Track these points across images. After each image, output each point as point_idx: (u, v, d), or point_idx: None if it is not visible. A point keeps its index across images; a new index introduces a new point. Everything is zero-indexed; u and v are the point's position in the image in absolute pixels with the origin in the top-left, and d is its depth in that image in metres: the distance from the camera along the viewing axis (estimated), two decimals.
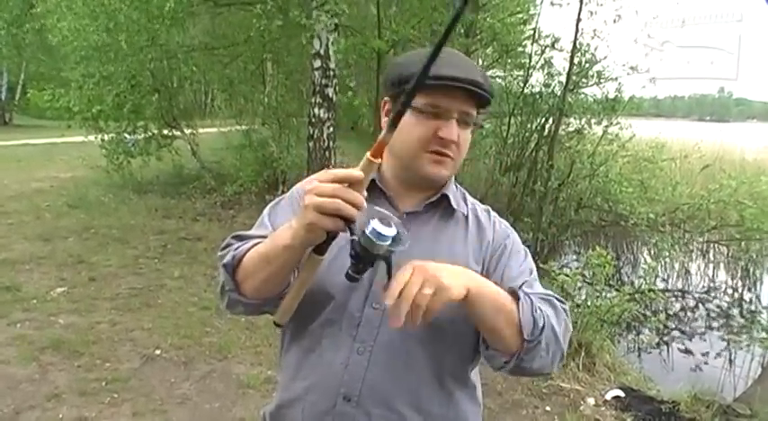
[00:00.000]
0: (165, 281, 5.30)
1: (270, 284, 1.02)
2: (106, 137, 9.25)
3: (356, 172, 0.85)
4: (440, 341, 1.08)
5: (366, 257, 0.86)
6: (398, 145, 1.09)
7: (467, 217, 1.18)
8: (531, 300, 1.01)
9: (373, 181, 1.13)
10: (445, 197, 1.15)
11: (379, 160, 0.85)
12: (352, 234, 0.86)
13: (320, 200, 0.84)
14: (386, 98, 1.14)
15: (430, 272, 0.89)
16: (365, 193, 0.87)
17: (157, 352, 3.87)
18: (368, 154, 0.85)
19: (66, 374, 3.47)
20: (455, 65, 1.04)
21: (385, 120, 1.11)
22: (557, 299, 1.09)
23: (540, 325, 0.99)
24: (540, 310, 1.01)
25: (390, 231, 0.85)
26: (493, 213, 1.23)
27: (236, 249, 1.07)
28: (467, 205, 1.20)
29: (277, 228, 1.10)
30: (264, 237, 1.09)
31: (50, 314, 4.34)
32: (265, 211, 1.21)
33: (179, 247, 6.42)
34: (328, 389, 1.07)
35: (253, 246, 1.05)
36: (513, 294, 1.02)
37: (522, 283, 1.07)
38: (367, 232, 0.84)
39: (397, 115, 0.82)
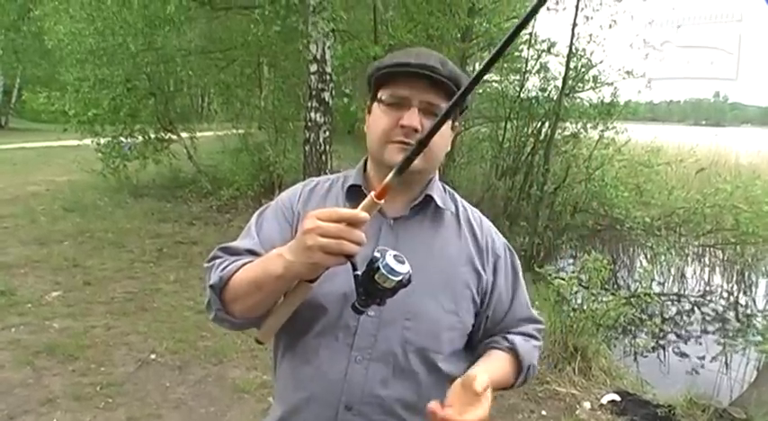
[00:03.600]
0: (161, 285, 5.28)
1: (258, 308, 1.02)
2: (102, 140, 9.23)
3: (361, 213, 0.87)
4: (436, 347, 1.09)
5: (375, 292, 0.88)
6: (369, 139, 1.12)
7: (457, 217, 1.18)
8: (530, 366, 1.19)
9: (359, 188, 1.13)
10: (429, 198, 1.14)
11: (383, 201, 0.88)
12: (354, 269, 0.88)
13: (325, 241, 0.85)
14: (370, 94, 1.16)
15: None
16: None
17: (152, 356, 3.85)
18: (372, 194, 0.88)
19: (60, 379, 3.45)
20: (411, 54, 1.07)
21: (373, 108, 1.12)
22: (539, 330, 1.26)
23: (530, 375, 1.20)
24: (533, 368, 1.20)
25: (404, 268, 0.87)
26: (485, 221, 1.23)
27: (224, 269, 1.07)
28: (456, 205, 1.20)
29: (263, 238, 1.12)
30: (251, 250, 1.10)
31: (45, 318, 4.32)
32: (251, 221, 1.21)
33: (174, 251, 6.40)
34: (329, 399, 1.06)
35: (241, 266, 1.05)
36: (516, 355, 1.16)
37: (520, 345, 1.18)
38: (381, 267, 0.86)
39: (405, 161, 0.86)
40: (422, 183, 1.15)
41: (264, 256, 1.01)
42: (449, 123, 1.09)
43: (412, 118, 1.04)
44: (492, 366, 1.11)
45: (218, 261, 1.10)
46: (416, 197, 1.14)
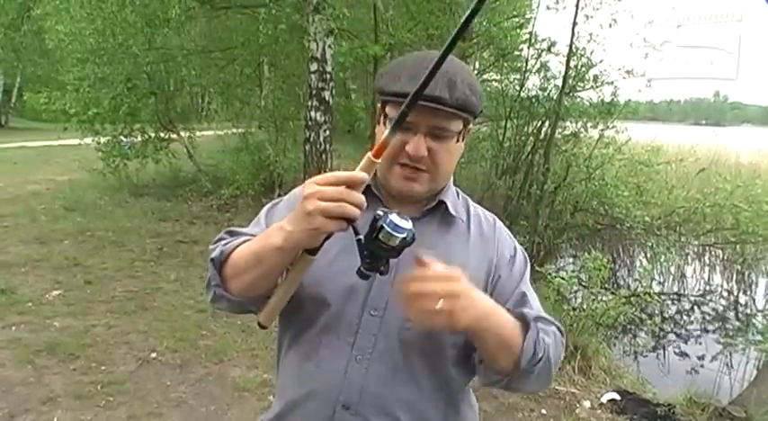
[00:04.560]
0: (161, 284, 5.29)
1: (257, 284, 1.00)
2: (102, 139, 9.24)
3: (359, 174, 0.85)
4: (439, 350, 1.08)
5: (379, 252, 0.86)
6: None
7: (468, 224, 1.16)
8: (537, 331, 1.03)
9: (369, 187, 1.10)
10: (442, 203, 1.12)
11: (380, 160, 0.86)
12: (357, 234, 0.86)
13: (325, 204, 0.83)
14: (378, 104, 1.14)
15: (455, 288, 0.89)
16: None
17: (153, 355, 3.86)
18: (369, 154, 0.86)
19: (61, 377, 3.46)
20: (417, 78, 0.97)
21: (380, 129, 1.09)
22: (556, 324, 1.11)
23: (539, 357, 1.01)
24: (543, 342, 1.03)
25: (407, 224, 0.85)
26: (498, 223, 1.20)
27: (226, 245, 1.07)
28: (468, 212, 1.18)
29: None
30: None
31: (46, 317, 4.33)
32: (263, 211, 1.20)
33: (175, 250, 6.41)
34: (328, 397, 1.05)
35: (243, 243, 1.04)
36: (523, 320, 1.03)
37: (528, 311, 1.07)
38: (385, 225, 0.84)
39: (399, 118, 0.85)
40: (431, 195, 1.13)
41: (266, 231, 0.99)
42: (450, 141, 1.06)
43: (418, 147, 1.02)
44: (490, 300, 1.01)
45: (222, 242, 1.10)
46: (429, 202, 1.12)
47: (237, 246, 1.04)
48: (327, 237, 0.90)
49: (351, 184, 0.85)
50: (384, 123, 1.07)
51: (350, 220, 0.85)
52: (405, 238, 0.85)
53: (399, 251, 0.86)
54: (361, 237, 0.86)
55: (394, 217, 0.85)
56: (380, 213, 0.86)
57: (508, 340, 1.00)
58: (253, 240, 1.01)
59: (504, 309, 1.01)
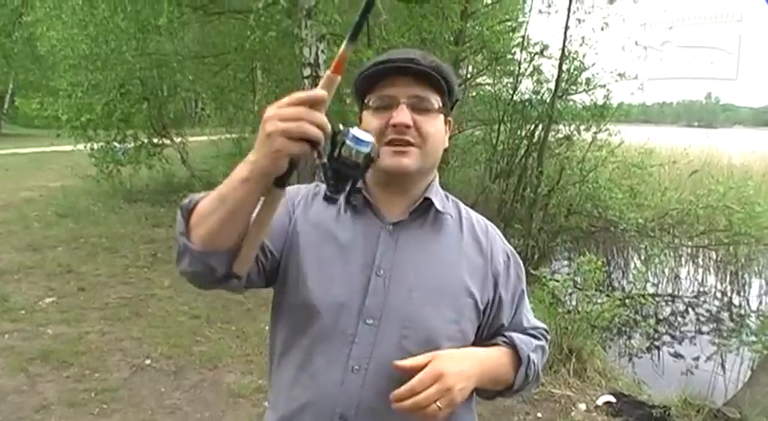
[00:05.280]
0: (155, 290, 5.27)
1: (223, 226, 0.91)
2: (95, 145, 9.23)
3: (319, 91, 0.82)
4: None
5: (344, 171, 0.84)
6: None
7: (459, 223, 1.15)
8: (529, 357, 1.11)
9: (360, 191, 1.09)
10: (428, 201, 1.10)
11: (339, 77, 0.83)
12: (320, 157, 0.84)
13: (285, 124, 0.80)
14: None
15: (447, 383, 0.95)
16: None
17: (147, 362, 3.84)
18: (328, 71, 0.83)
19: (54, 385, 3.44)
20: (391, 54, 1.06)
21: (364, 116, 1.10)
22: (542, 334, 1.20)
23: (530, 379, 1.13)
24: (534, 365, 1.12)
25: (370, 138, 0.84)
26: (491, 229, 1.19)
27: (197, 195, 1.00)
28: (460, 214, 1.17)
29: None
30: None
31: (39, 324, 4.31)
32: None
33: (169, 256, 6.37)
34: (324, 409, 1.02)
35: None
36: (514, 348, 1.10)
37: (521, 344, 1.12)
38: (347, 139, 0.83)
39: (356, 27, 0.82)
40: (421, 185, 1.11)
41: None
42: (441, 117, 1.08)
43: (401, 114, 1.01)
44: (476, 351, 1.08)
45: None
46: (416, 201, 1.10)
47: (207, 195, 0.97)
48: (294, 166, 0.85)
49: (312, 104, 0.81)
50: (367, 110, 1.08)
51: (313, 143, 0.81)
52: (369, 153, 0.83)
53: (364, 169, 0.85)
54: (325, 159, 0.84)
55: (355, 130, 0.83)
56: (341, 128, 0.84)
57: (501, 380, 1.10)
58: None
59: (493, 353, 1.09)
